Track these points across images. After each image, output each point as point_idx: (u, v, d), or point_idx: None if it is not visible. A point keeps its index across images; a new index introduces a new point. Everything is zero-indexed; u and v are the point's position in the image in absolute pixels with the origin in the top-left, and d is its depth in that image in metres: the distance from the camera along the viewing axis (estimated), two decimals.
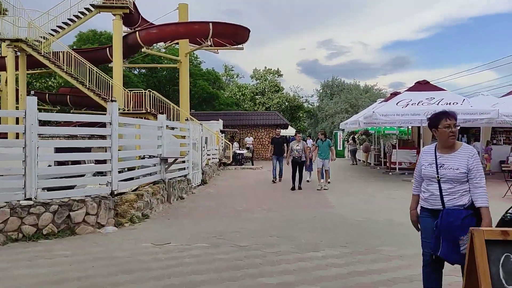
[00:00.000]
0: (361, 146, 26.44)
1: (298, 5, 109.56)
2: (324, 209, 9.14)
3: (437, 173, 3.38)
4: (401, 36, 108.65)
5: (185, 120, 17.26)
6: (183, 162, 11.72)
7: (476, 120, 13.36)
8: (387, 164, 20.31)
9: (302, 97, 53.65)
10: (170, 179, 10.03)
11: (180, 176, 11.07)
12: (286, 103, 49.58)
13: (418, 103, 13.90)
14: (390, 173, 18.23)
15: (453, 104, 13.52)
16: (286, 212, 8.77)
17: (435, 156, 3.44)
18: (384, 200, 10.57)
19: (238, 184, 14.18)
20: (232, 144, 25.29)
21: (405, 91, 15.16)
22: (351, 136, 28.63)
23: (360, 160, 27.24)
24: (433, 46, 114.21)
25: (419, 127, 22.51)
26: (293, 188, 12.36)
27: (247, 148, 26.86)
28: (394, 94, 18.72)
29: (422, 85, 15.05)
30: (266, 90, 50.56)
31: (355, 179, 16.15)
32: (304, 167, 12.90)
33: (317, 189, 12.38)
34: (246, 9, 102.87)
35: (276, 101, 48.37)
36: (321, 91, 56.36)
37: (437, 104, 13.66)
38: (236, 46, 25.92)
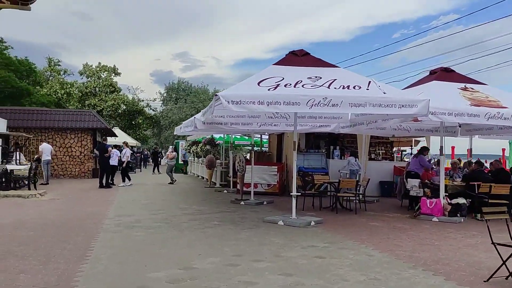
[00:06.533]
0: (204, 160, 19.70)
1: (151, 14, 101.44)
2: None
3: None
4: (251, 54, 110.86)
5: None
6: None
7: (394, 117, 7.60)
8: (238, 187, 13.86)
9: (143, 100, 45.15)
10: None
11: None
12: (124, 107, 40.51)
13: (296, 84, 7.55)
14: (243, 202, 11.79)
15: (355, 88, 7.51)
16: None
17: None
18: None
19: None
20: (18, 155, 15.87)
21: (273, 65, 8.70)
22: (174, 147, 21.82)
23: (203, 179, 20.57)
24: None
25: (281, 135, 16.46)
26: None
27: (38, 160, 17.52)
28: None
29: (300, 58, 8.78)
30: (98, 89, 40.67)
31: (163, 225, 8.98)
32: None
33: None
34: (97, 13, 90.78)
35: (110, 103, 38.91)
36: (165, 94, 48.27)
37: (328, 87, 7.50)
38: (19, 5, 16.78)
